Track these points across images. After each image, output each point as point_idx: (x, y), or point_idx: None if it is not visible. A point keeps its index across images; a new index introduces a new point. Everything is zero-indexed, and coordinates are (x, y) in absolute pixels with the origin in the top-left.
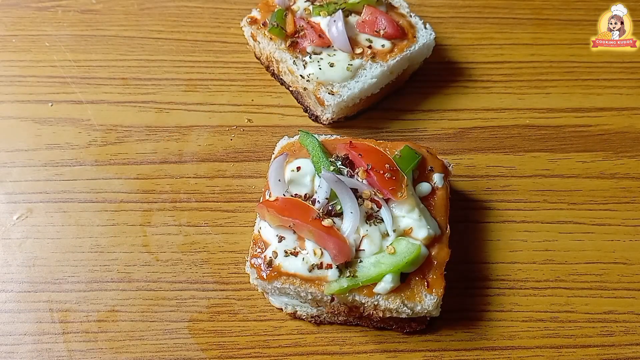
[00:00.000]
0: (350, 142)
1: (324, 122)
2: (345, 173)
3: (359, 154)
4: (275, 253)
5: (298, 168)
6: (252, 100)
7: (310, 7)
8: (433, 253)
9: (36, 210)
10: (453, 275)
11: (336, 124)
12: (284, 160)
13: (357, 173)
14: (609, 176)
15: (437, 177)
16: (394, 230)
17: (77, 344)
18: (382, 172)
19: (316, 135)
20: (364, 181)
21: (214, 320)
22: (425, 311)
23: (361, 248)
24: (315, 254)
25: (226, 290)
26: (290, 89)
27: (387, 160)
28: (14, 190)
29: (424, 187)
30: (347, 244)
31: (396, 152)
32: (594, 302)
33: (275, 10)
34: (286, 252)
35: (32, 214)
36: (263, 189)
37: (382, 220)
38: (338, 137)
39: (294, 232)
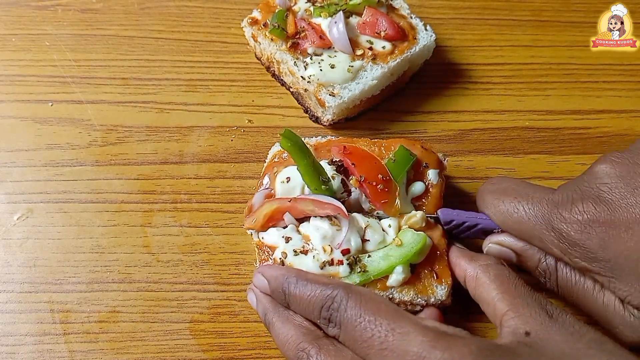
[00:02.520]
0: (344, 147)
1: (325, 123)
2: (340, 181)
3: (352, 163)
4: (284, 254)
5: (288, 179)
6: (253, 100)
7: (311, 8)
8: (434, 242)
9: (37, 210)
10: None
11: (337, 125)
12: (263, 194)
13: (351, 181)
14: None
15: (431, 174)
16: (389, 226)
17: (78, 344)
18: (375, 183)
19: (302, 139)
20: (357, 189)
21: (215, 322)
22: (439, 302)
23: (366, 238)
24: (324, 250)
25: (227, 292)
26: (291, 90)
27: (380, 170)
28: (14, 191)
29: (417, 187)
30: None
31: (391, 156)
32: None
33: (276, 11)
34: (295, 251)
35: (32, 214)
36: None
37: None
38: (332, 137)
39: (298, 232)
